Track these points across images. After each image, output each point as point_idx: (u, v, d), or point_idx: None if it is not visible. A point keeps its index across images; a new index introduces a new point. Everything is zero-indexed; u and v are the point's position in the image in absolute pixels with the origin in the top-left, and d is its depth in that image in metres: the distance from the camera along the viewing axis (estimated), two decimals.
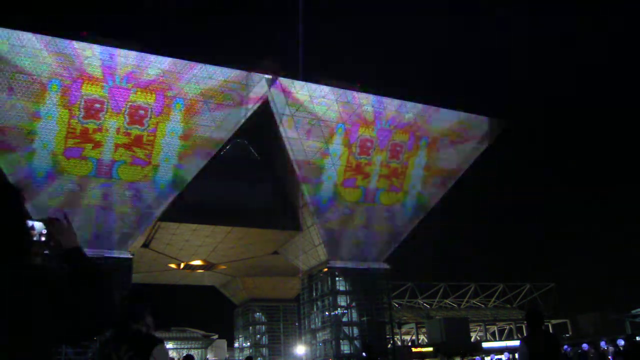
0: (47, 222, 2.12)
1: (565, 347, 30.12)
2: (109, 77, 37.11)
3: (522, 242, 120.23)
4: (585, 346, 27.55)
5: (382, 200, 45.33)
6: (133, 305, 4.06)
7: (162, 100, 38.55)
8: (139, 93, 37.84)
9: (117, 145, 37.94)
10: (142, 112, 38.30)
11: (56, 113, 36.34)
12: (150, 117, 38.38)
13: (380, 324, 45.77)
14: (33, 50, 34.67)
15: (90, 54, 35.98)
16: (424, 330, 64.55)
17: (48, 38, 34.89)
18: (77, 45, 35.63)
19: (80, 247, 2.10)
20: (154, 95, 38.19)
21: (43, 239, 2.10)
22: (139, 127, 38.20)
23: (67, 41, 35.45)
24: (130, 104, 37.71)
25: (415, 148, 45.57)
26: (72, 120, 36.83)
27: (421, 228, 48.13)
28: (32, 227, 2.09)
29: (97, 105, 37.19)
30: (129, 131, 38.03)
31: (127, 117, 37.88)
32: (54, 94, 36.13)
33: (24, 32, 34.34)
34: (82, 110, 36.77)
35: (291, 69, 42.40)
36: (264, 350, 65.09)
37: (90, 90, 36.81)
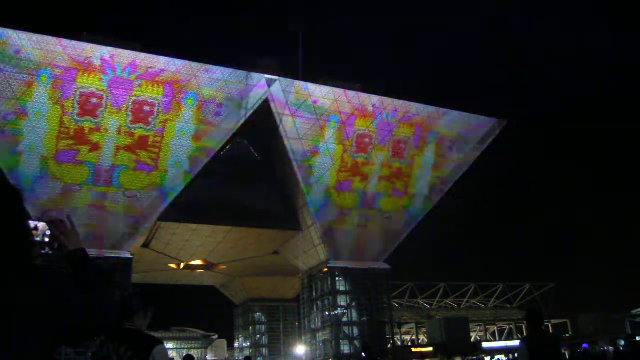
0: (51, 223, 2.14)
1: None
2: (109, 67, 33.97)
3: (522, 242, 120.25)
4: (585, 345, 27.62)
5: (382, 207, 44.36)
6: (132, 305, 4.10)
7: (171, 95, 35.36)
8: (144, 86, 34.81)
9: (118, 148, 35.20)
10: (147, 108, 35.17)
11: (46, 109, 32.81)
12: (157, 115, 35.65)
13: (380, 324, 45.78)
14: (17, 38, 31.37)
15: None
16: (424, 330, 64.52)
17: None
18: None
19: (83, 248, 2.13)
20: (161, 88, 35.21)
21: (46, 239, 2.11)
22: (144, 126, 35.43)
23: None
24: (133, 98, 34.77)
25: (422, 145, 44.42)
26: (64, 118, 33.41)
27: (421, 228, 48.16)
28: (35, 228, 2.10)
29: (95, 100, 33.73)
30: (132, 131, 35.30)
31: (129, 114, 34.88)
32: (42, 86, 32.57)
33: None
34: (76, 106, 33.45)
35: (291, 69, 42.40)
36: (264, 350, 65.07)
37: (86, 82, 33.43)
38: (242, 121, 38.97)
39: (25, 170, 33.48)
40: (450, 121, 44.95)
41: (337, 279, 45.81)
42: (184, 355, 16.78)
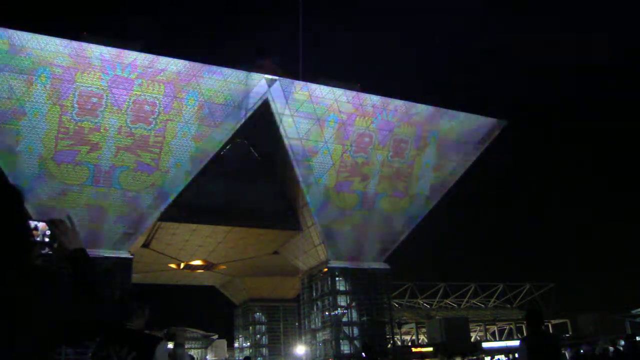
0: (51, 223, 2.14)
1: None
2: (109, 66, 33.36)
3: (522, 242, 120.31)
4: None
5: (382, 207, 44.18)
6: (131, 304, 4.10)
7: (172, 94, 35.00)
8: (145, 85, 34.39)
9: (118, 148, 34.91)
10: (148, 108, 34.84)
11: (45, 109, 32.43)
12: (158, 115, 35.37)
13: (380, 324, 45.76)
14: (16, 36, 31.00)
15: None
16: (424, 330, 64.56)
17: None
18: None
19: (83, 248, 2.12)
20: (162, 87, 34.89)
21: (46, 239, 2.11)
22: (145, 126, 35.12)
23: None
24: (133, 98, 34.45)
25: (422, 144, 44.21)
26: (63, 118, 33.04)
27: (421, 228, 48.12)
28: (35, 228, 2.10)
29: (95, 100, 33.33)
30: (132, 131, 35.03)
31: (130, 114, 34.57)
32: (42, 85, 32.16)
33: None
34: (76, 105, 33.09)
35: (291, 69, 42.41)
36: (264, 350, 65.06)
37: (86, 82, 33.00)
38: (242, 121, 38.95)
39: (24, 170, 33.23)
40: (450, 121, 44.93)
41: (337, 279, 45.79)
42: None
